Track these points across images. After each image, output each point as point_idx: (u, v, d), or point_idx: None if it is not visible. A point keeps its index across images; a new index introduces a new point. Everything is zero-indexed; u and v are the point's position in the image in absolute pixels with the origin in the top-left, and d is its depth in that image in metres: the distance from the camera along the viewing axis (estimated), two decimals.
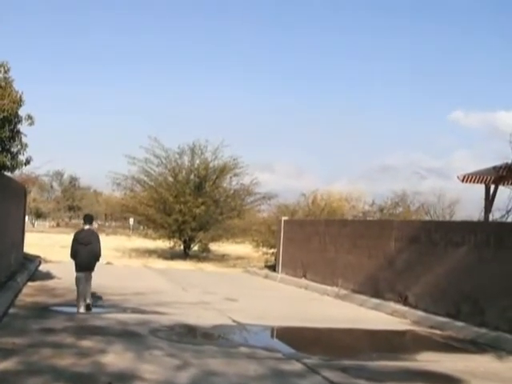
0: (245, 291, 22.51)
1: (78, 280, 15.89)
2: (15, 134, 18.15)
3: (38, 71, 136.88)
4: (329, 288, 22.70)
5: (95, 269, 16.28)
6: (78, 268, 15.97)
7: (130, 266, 32.35)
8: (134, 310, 15.93)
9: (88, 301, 15.76)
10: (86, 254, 15.83)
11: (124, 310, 16.04)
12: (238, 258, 41.71)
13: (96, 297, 17.32)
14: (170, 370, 9.58)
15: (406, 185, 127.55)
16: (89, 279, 16.02)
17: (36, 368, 9.14)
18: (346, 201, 44.48)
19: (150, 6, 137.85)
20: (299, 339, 14.71)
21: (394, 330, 15.80)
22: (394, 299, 18.77)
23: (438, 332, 15.23)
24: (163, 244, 43.07)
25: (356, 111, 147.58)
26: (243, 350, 11.80)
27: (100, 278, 20.20)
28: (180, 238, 41.63)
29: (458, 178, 24.34)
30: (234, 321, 15.23)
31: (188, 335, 13.66)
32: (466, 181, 24.01)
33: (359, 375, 10.08)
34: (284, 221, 30.34)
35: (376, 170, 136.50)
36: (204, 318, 15.24)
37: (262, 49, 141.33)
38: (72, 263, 16.35)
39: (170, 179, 41.35)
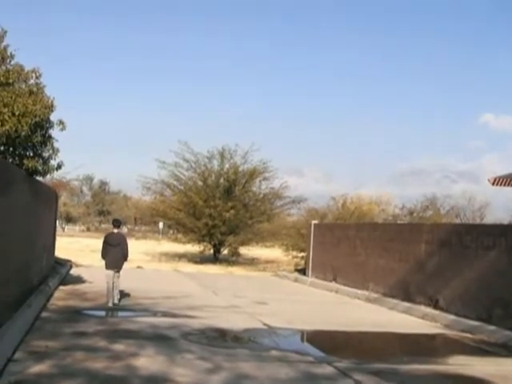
0: (275, 295, 22.53)
1: (107, 277, 17.46)
2: (47, 139, 18.28)
3: (68, 77, 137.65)
4: (359, 292, 22.66)
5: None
6: (108, 266, 17.59)
7: (160, 270, 32.50)
8: (165, 314, 16.00)
9: (117, 296, 17.52)
10: (115, 254, 17.58)
11: (155, 313, 16.13)
12: (268, 261, 41.75)
13: (124, 294, 18.69)
14: (202, 373, 9.64)
15: (436, 188, 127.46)
16: (117, 277, 17.64)
17: (69, 371, 9.24)
18: (375, 204, 44.47)
19: (193, 6, 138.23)
20: (330, 343, 14.70)
21: (425, 333, 15.73)
22: (424, 303, 18.70)
23: (469, 336, 15.16)
24: (193, 248, 43.24)
25: (384, 115, 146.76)
26: (274, 353, 11.82)
27: (131, 282, 20.42)
28: (210, 242, 41.74)
29: (488, 180, 24.16)
30: (264, 324, 15.25)
31: (219, 339, 13.69)
32: (497, 184, 23.83)
33: (391, 379, 10.08)
34: (314, 224, 30.32)
35: (405, 173, 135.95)
36: (235, 322, 15.29)
37: (292, 52, 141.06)
38: (102, 265, 17.95)
39: (200, 183, 41.48)
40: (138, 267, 31.45)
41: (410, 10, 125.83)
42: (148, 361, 10.25)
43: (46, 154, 18.57)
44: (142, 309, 16.85)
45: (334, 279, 26.04)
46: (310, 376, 10.00)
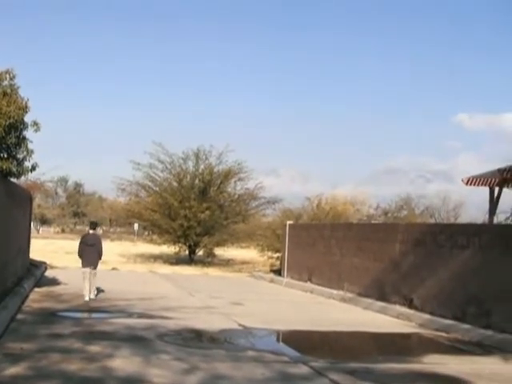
0: (250, 295, 22.56)
1: (84, 273, 18.70)
2: (21, 141, 18.21)
3: (43, 77, 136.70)
4: (334, 292, 22.74)
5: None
6: (84, 264, 18.86)
7: (136, 271, 32.38)
8: (141, 315, 15.97)
9: (94, 292, 18.93)
10: (90, 253, 18.93)
11: (130, 314, 16.08)
12: (243, 262, 41.76)
13: (100, 295, 19.40)
14: (178, 373, 9.63)
15: (411, 188, 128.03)
16: (94, 274, 18.89)
17: (45, 373, 9.19)
18: (350, 204, 44.64)
19: (147, 12, 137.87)
20: (306, 343, 14.75)
21: (400, 332, 15.83)
22: (399, 302, 18.81)
23: (443, 334, 15.26)
24: (168, 249, 43.12)
25: (359, 115, 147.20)
26: (250, 353, 11.85)
27: (106, 284, 20.44)
28: (185, 243, 41.67)
29: (462, 180, 24.38)
30: (240, 325, 15.26)
31: (195, 339, 13.67)
32: (471, 183, 24.05)
33: (366, 378, 10.12)
34: (289, 225, 30.37)
35: (381, 172, 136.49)
36: (211, 323, 15.29)
37: (265, 54, 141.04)
38: (77, 267, 19.44)
39: (175, 184, 41.39)
40: (113, 269, 31.29)
41: (381, 10, 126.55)
42: (124, 362, 10.22)
43: (20, 156, 18.51)
44: (117, 310, 16.80)
45: (310, 279, 26.11)
46: (286, 376, 10.03)
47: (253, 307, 19.09)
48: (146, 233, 69.52)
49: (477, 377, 10.59)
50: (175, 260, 40.94)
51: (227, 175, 41.34)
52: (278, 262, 33.03)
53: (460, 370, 10.99)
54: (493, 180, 23.67)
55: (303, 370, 10.56)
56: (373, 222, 37.18)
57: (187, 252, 42.36)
